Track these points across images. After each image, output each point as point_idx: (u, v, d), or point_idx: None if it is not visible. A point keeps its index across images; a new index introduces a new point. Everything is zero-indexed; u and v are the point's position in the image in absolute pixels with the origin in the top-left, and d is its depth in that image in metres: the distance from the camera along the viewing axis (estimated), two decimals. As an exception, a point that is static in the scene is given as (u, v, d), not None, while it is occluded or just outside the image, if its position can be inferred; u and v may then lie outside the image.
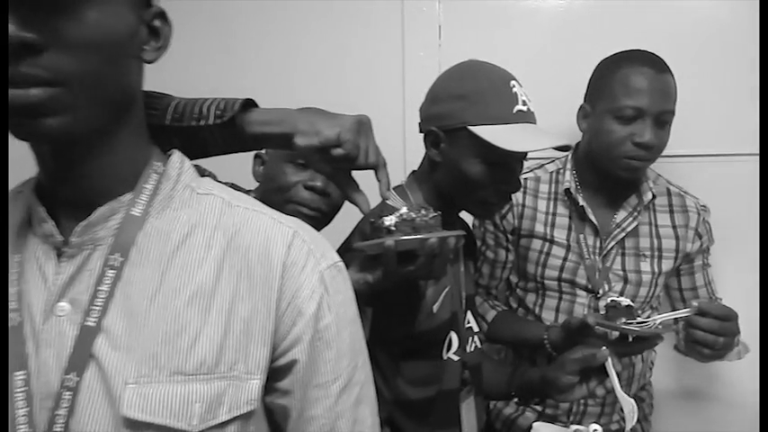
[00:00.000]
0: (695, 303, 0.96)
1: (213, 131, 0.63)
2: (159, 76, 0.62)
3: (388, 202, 0.87)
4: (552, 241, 1.18)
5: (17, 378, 0.48)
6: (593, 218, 1.16)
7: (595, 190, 1.18)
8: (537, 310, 1.21)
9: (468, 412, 1.01)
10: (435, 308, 0.91)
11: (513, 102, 0.86)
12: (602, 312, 1.04)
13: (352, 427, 0.57)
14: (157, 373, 0.48)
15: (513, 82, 0.87)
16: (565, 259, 1.17)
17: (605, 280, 1.16)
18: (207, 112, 0.62)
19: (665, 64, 1.08)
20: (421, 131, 0.96)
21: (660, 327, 0.96)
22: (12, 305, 0.49)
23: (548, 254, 1.18)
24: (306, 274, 0.53)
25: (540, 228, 1.19)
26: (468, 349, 1.01)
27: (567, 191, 1.18)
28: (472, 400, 1.02)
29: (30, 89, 0.42)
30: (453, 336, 0.97)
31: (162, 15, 0.53)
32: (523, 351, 1.23)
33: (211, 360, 0.49)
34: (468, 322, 1.04)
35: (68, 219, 0.51)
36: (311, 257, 0.54)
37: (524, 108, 0.87)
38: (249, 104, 0.65)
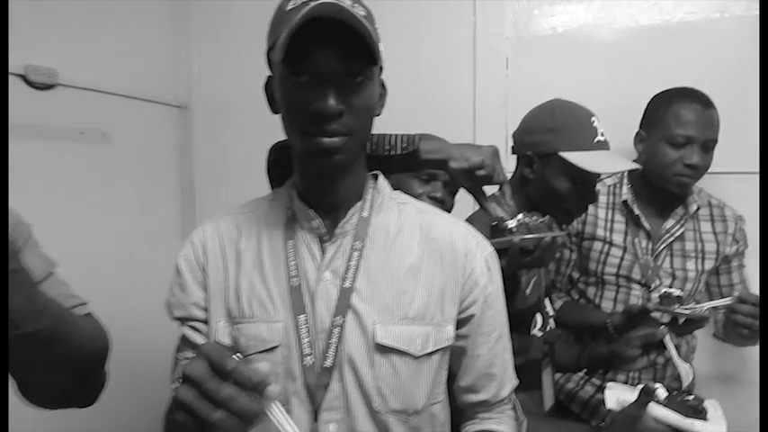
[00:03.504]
0: (735, 293, 1.19)
1: (398, 159, 0.89)
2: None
3: (488, 208, 1.13)
4: (611, 243, 1.42)
5: (300, 319, 0.74)
6: (646, 225, 1.40)
7: (648, 202, 1.42)
8: (597, 300, 1.45)
9: (547, 378, 1.26)
10: (527, 292, 1.17)
11: (594, 134, 1.11)
12: (656, 301, 1.28)
13: (502, 365, 0.83)
14: (391, 318, 0.74)
15: (593, 118, 1.12)
16: (622, 258, 1.41)
17: (656, 276, 1.40)
18: (395, 144, 0.89)
19: (710, 100, 1.32)
20: (513, 153, 1.22)
21: (706, 311, 1.20)
22: (292, 272, 0.76)
23: (607, 254, 1.43)
24: (477, 258, 0.79)
25: (600, 232, 1.43)
26: (546, 329, 1.25)
27: (625, 202, 1.42)
28: (550, 370, 1.27)
29: (334, 138, 0.69)
30: (538, 316, 1.21)
31: (383, 84, 0.79)
32: (585, 334, 1.46)
33: (422, 312, 0.75)
34: (546, 307, 1.28)
35: (323, 218, 0.78)
36: (479, 247, 0.80)
37: (602, 138, 1.12)
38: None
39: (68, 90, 1.56)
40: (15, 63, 1.41)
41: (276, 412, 0.52)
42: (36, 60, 1.45)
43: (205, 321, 0.79)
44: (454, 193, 1.25)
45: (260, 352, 0.74)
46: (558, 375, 1.49)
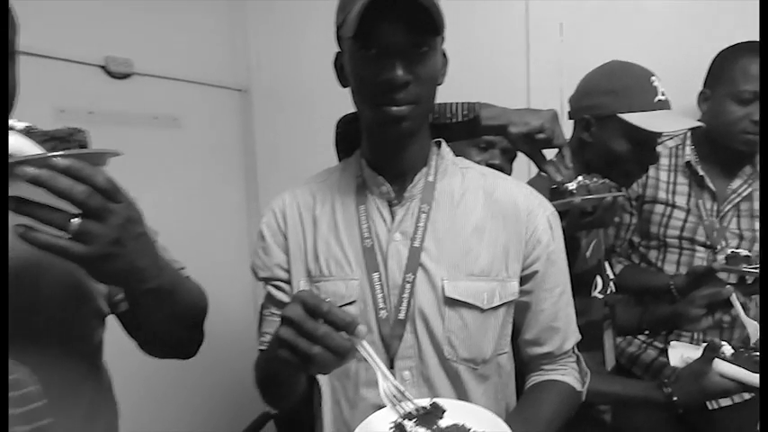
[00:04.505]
0: (807, 252, 1.16)
1: (459, 126, 0.93)
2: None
3: (548, 171, 1.14)
4: (674, 206, 1.40)
5: (374, 277, 0.80)
6: (711, 185, 1.38)
7: (713, 162, 1.39)
8: (659, 264, 1.44)
9: (608, 340, 1.28)
10: (588, 254, 1.18)
11: (654, 93, 1.10)
12: (723, 262, 1.27)
13: (566, 319, 0.87)
14: (459, 274, 0.79)
15: (653, 78, 1.11)
16: (685, 221, 1.40)
17: (722, 237, 1.37)
18: (456, 112, 0.92)
19: (780, 53, 1.27)
20: (570, 118, 1.22)
21: (776, 270, 1.17)
22: (365, 234, 0.82)
23: (669, 216, 1.41)
24: (539, 217, 0.83)
25: (662, 195, 1.42)
26: (607, 291, 1.27)
27: (688, 163, 1.39)
28: (611, 331, 1.28)
29: (402, 107, 0.73)
30: (598, 279, 1.23)
31: (444, 54, 0.83)
32: (646, 297, 1.46)
33: (488, 269, 0.80)
34: (606, 270, 1.30)
35: (392, 183, 0.83)
36: (541, 207, 0.84)
37: (663, 98, 1.11)
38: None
39: (143, 78, 1.68)
40: (96, 55, 1.53)
41: (366, 348, 0.58)
42: (114, 52, 1.57)
43: (287, 281, 0.87)
44: (512, 160, 1.27)
45: (338, 307, 0.81)
46: (619, 339, 1.50)
